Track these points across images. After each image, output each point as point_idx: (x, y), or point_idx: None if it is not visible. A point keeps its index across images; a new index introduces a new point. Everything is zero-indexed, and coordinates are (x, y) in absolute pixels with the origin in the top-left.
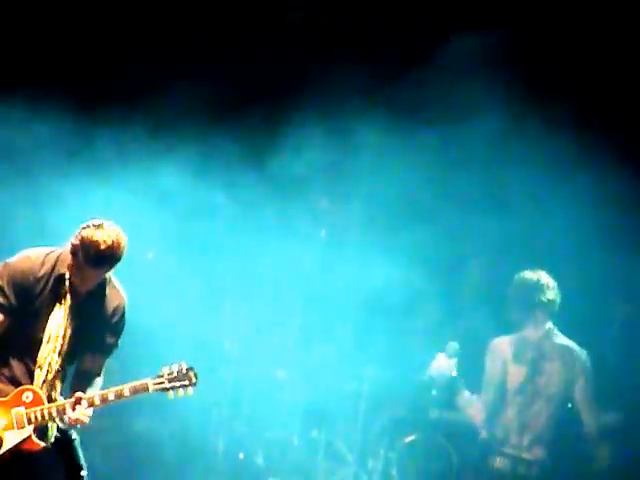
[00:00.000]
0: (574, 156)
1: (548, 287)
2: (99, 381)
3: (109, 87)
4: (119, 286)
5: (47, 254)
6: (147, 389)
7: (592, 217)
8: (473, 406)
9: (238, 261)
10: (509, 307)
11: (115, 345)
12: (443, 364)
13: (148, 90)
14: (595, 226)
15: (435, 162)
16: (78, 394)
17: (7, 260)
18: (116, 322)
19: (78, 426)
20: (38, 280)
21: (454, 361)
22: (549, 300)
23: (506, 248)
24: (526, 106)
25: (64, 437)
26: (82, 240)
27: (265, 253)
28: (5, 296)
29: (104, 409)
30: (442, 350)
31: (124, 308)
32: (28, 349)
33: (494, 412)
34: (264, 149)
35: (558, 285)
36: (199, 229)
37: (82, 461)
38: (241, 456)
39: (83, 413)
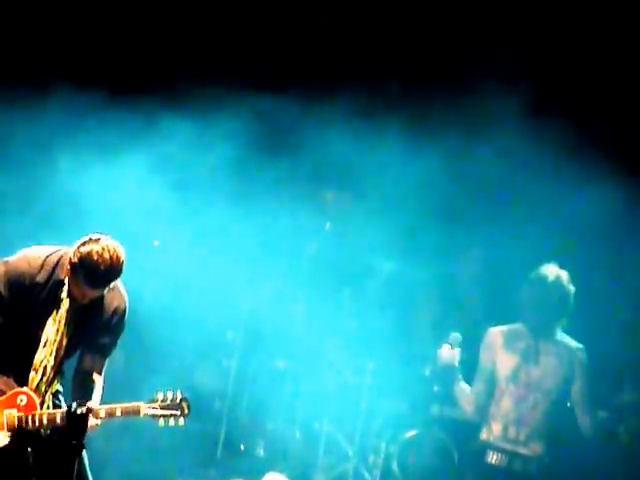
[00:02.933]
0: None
1: (565, 291)
2: (100, 381)
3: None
4: (120, 287)
5: (47, 256)
6: (138, 412)
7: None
8: (466, 397)
9: (241, 251)
10: (522, 300)
11: (114, 345)
12: (447, 354)
13: None
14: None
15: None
16: (72, 408)
17: (6, 259)
18: (115, 323)
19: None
20: (35, 284)
21: (457, 351)
22: (564, 306)
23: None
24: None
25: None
26: (81, 260)
27: (269, 243)
28: (3, 297)
29: (105, 399)
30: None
31: (124, 310)
32: (24, 352)
33: (484, 402)
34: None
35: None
36: (203, 218)
37: (88, 474)
38: (242, 447)
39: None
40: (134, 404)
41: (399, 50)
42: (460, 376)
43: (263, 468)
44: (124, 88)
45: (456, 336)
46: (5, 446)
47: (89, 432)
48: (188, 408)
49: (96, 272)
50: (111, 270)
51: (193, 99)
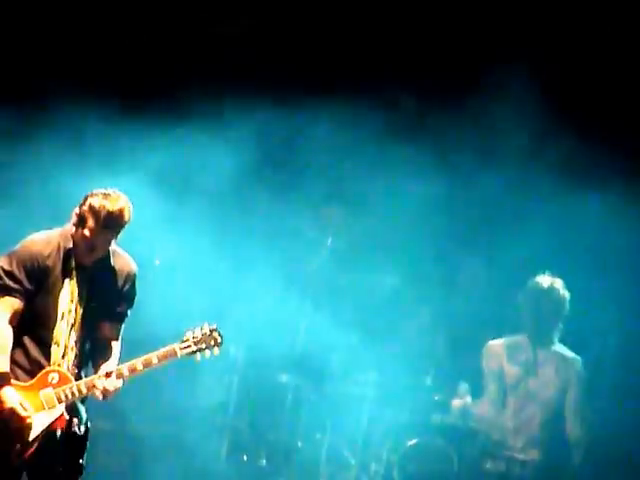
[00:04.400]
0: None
1: (561, 297)
2: (118, 346)
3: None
4: (126, 255)
5: (49, 234)
6: (175, 354)
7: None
8: (479, 405)
9: (242, 265)
10: (520, 309)
11: (129, 309)
12: (459, 405)
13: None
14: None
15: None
16: (106, 368)
17: (12, 249)
18: (129, 289)
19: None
20: (46, 259)
21: (468, 397)
22: (560, 310)
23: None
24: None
25: (79, 441)
26: (91, 206)
27: (272, 257)
28: (18, 281)
29: (106, 412)
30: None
31: (134, 275)
32: (43, 328)
33: (500, 402)
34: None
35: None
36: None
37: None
38: (245, 458)
39: (114, 385)
40: (168, 347)
41: (405, 67)
42: (467, 391)
43: (266, 478)
44: (130, 101)
45: (464, 387)
46: (53, 425)
47: (113, 393)
48: (220, 336)
49: (106, 212)
50: (122, 211)
51: (194, 115)
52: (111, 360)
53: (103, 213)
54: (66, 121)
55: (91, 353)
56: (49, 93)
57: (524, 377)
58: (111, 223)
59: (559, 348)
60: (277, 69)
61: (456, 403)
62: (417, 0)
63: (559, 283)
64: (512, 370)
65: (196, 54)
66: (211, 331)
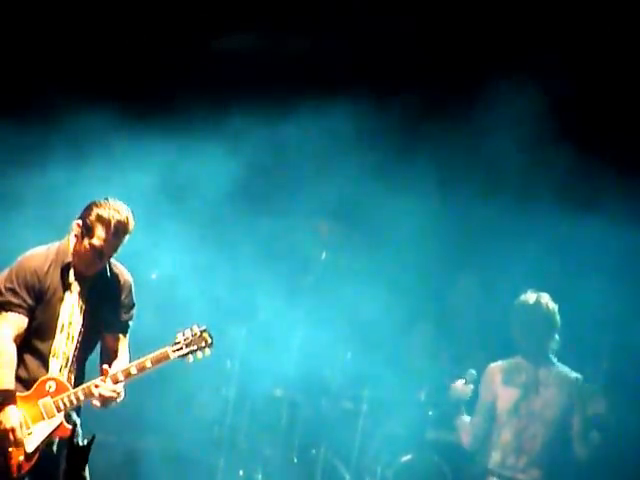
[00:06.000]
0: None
1: (549, 310)
2: (126, 357)
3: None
4: (121, 265)
5: (47, 249)
6: (168, 357)
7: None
8: (465, 428)
9: (237, 280)
10: (512, 330)
11: (130, 320)
12: (461, 389)
13: None
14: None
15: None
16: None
17: (11, 265)
18: (127, 299)
19: (113, 404)
20: (45, 274)
21: (470, 387)
22: (550, 323)
23: (503, 271)
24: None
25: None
26: (99, 215)
27: (268, 272)
28: (20, 297)
29: (104, 425)
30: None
31: (131, 285)
32: (42, 340)
33: (482, 435)
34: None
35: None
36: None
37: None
38: (241, 473)
39: (110, 389)
40: (161, 351)
41: (402, 84)
42: (464, 409)
43: None
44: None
45: (472, 373)
46: (53, 435)
47: (112, 401)
48: (210, 337)
49: (117, 221)
50: (127, 220)
51: (193, 129)
52: (113, 369)
53: (113, 222)
54: (64, 128)
55: (100, 364)
56: (48, 99)
57: (525, 397)
58: (120, 232)
59: (561, 368)
60: (274, 82)
61: (459, 386)
62: (413, 20)
63: (545, 297)
64: (510, 394)
65: (193, 66)
66: (201, 332)
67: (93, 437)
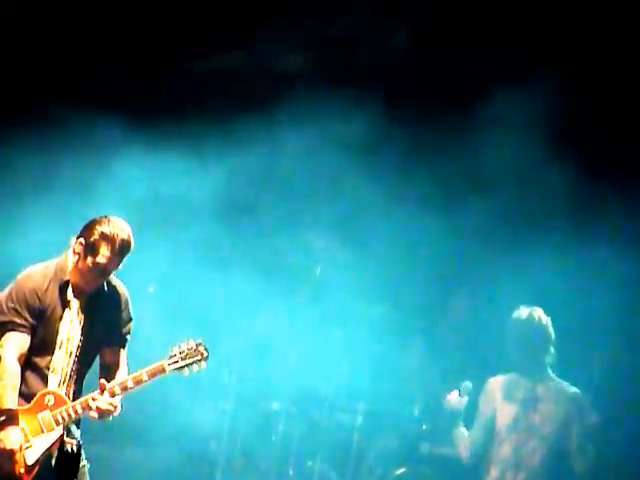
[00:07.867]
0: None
1: (542, 323)
2: (124, 371)
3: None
4: (118, 280)
5: (45, 267)
6: (164, 370)
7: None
8: (463, 442)
9: (234, 294)
10: (507, 344)
11: (128, 333)
12: (455, 401)
13: None
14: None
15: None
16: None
17: (11, 284)
18: (125, 313)
19: (111, 417)
20: (44, 293)
21: (465, 399)
22: (544, 336)
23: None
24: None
25: (73, 462)
26: (103, 233)
27: (264, 286)
28: (22, 317)
29: (101, 438)
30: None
31: (128, 299)
32: (41, 356)
33: (481, 449)
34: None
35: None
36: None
37: None
38: None
39: (108, 402)
40: (157, 364)
41: (399, 96)
42: (461, 422)
43: None
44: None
45: (467, 385)
46: (52, 448)
47: (110, 414)
48: (206, 350)
49: (121, 239)
50: (129, 237)
51: (191, 140)
52: (111, 382)
53: (118, 240)
54: (63, 138)
55: (99, 378)
56: (45, 108)
57: (523, 414)
58: (125, 249)
59: (559, 383)
60: (268, 93)
61: (453, 398)
62: (409, 38)
63: (538, 311)
64: (510, 409)
65: (179, 83)
66: (197, 345)
67: (80, 447)
